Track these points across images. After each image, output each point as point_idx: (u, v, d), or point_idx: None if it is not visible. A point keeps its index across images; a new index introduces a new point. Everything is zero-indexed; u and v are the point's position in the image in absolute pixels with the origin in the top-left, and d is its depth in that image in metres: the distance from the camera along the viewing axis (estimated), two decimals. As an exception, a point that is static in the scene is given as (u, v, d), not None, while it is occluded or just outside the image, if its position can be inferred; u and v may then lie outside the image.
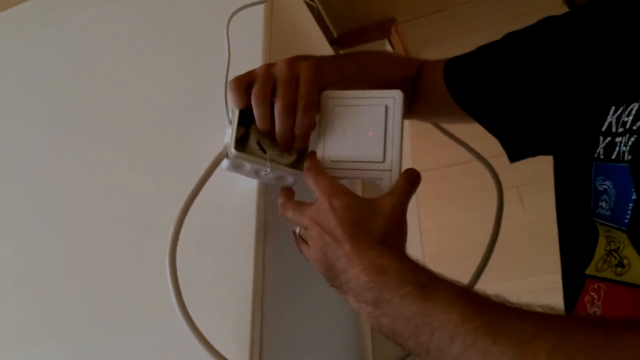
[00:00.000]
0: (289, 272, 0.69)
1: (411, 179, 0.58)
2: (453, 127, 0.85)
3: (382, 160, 0.60)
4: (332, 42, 1.56)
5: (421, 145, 1.81)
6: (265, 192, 0.68)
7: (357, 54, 0.79)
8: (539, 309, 0.42)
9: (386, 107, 0.61)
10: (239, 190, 0.68)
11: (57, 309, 0.70)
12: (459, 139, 0.83)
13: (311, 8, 1.08)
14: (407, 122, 1.79)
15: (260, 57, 0.74)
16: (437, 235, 2.11)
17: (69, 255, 0.74)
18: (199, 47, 0.82)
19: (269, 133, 0.62)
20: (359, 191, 0.80)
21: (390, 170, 0.59)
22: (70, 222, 0.76)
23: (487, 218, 0.74)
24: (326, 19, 1.54)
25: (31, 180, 0.82)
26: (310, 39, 1.03)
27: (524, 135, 0.68)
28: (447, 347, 0.42)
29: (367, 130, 0.61)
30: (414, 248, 1.53)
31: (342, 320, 0.83)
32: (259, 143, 0.62)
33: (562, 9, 0.67)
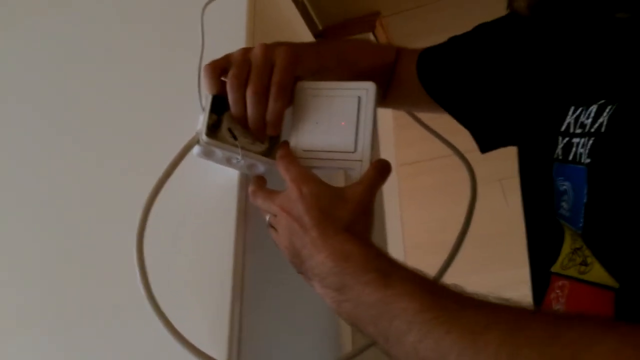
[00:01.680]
0: (268, 262, 0.69)
1: (381, 169, 0.59)
2: (434, 121, 0.86)
3: (353, 150, 0.61)
4: (317, 35, 1.56)
5: (405, 138, 1.81)
6: (246, 181, 0.68)
7: (336, 42, 0.80)
8: (494, 301, 0.43)
9: (359, 98, 0.62)
10: (220, 180, 0.68)
11: (23, 300, 0.70)
12: (437, 133, 0.83)
13: (296, 1, 1.08)
14: (390, 115, 1.80)
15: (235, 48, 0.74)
16: (419, 228, 2.12)
17: (38, 244, 0.73)
18: (175, 36, 0.81)
19: (242, 119, 0.62)
20: (341, 182, 0.81)
21: (361, 161, 0.60)
22: (41, 210, 0.76)
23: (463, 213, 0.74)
24: (311, 12, 1.54)
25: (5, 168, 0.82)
26: (294, 32, 1.03)
27: (493, 126, 0.69)
28: (404, 335, 0.43)
29: (339, 120, 0.62)
30: (395, 240, 1.54)
31: (322, 309, 0.83)
32: (230, 130, 0.62)
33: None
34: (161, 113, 0.76)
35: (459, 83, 0.70)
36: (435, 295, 0.45)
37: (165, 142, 0.64)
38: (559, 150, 0.53)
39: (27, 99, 0.87)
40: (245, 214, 0.67)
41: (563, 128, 0.53)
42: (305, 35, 1.11)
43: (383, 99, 0.80)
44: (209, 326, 0.60)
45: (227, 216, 0.65)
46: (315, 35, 1.34)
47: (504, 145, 0.69)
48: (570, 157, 0.51)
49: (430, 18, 1.60)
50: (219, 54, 0.64)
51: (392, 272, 0.48)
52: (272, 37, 0.83)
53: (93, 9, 0.90)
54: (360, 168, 0.60)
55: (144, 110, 0.78)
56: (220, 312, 0.60)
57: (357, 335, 0.92)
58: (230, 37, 0.73)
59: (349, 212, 0.54)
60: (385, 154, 1.89)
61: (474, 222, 0.73)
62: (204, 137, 0.61)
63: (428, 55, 0.74)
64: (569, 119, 0.53)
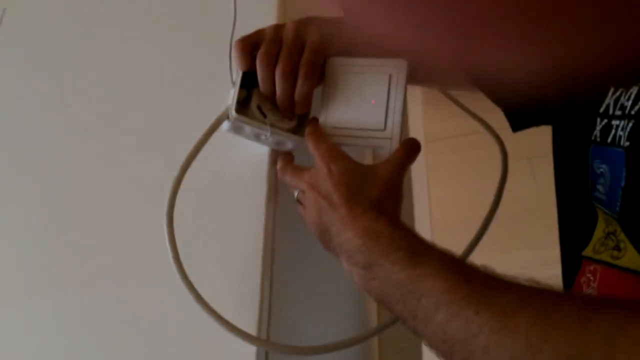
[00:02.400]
0: (297, 239, 0.70)
1: (410, 148, 0.59)
2: (464, 97, 0.85)
3: (383, 128, 0.61)
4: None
5: (433, 114, 1.80)
6: (276, 157, 0.68)
7: None
8: (524, 282, 0.43)
9: (390, 76, 0.62)
10: (250, 155, 0.68)
11: (56, 263, 0.71)
12: (468, 109, 0.82)
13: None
14: (419, 91, 1.78)
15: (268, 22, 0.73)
16: (446, 205, 2.11)
17: (71, 213, 0.74)
18: (207, 10, 0.81)
19: (271, 97, 0.62)
20: (369, 160, 0.81)
21: (391, 139, 0.60)
22: (72, 181, 0.77)
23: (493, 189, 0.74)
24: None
25: (30, 140, 0.83)
26: (326, 11, 1.02)
27: (526, 104, 0.68)
28: (432, 314, 0.43)
29: (369, 98, 0.62)
30: (422, 216, 1.53)
31: (350, 286, 0.84)
32: (259, 107, 0.62)
33: None
34: (192, 87, 0.77)
35: None
36: (464, 275, 0.45)
37: (196, 116, 0.64)
38: (597, 132, 0.52)
39: (55, 74, 0.88)
40: (276, 191, 0.67)
41: (602, 109, 0.52)
42: (336, 14, 1.10)
43: (414, 76, 0.79)
44: (239, 302, 0.60)
45: (257, 192, 0.66)
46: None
47: (537, 124, 0.68)
48: (609, 140, 0.50)
49: None
50: (250, 30, 0.64)
51: (420, 251, 0.48)
52: (304, 15, 0.83)
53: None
54: (390, 146, 0.60)
55: (174, 85, 0.78)
56: (251, 288, 0.61)
57: (384, 312, 0.93)
58: (261, 13, 0.73)
59: (378, 190, 0.54)
60: (414, 129, 1.88)
61: (501, 200, 0.73)
62: (233, 113, 0.61)
63: None
64: (609, 100, 0.52)
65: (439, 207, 1.99)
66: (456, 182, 2.15)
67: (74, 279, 0.70)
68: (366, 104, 0.62)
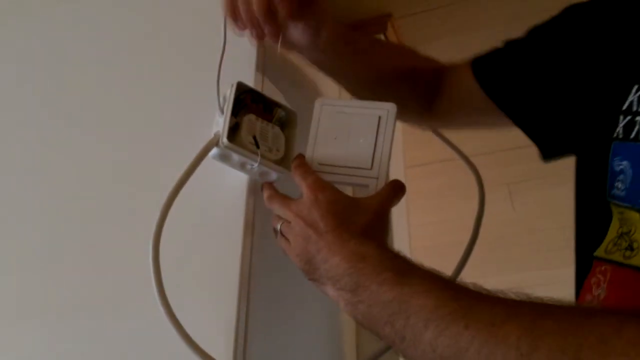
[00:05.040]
0: (275, 268, 0.69)
1: (397, 188, 0.60)
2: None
3: (369, 167, 0.61)
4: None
5: (412, 140, 1.81)
6: (254, 186, 0.68)
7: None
8: (513, 296, 0.43)
9: (379, 117, 0.63)
10: (228, 185, 0.68)
11: (38, 293, 0.70)
12: (444, 137, 0.83)
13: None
14: (398, 121, 1.79)
15: (255, 50, 0.74)
16: (426, 230, 2.12)
17: (53, 240, 0.73)
18: (189, 33, 0.82)
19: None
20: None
21: (377, 178, 0.61)
22: (55, 208, 0.76)
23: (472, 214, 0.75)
24: (323, 11, 1.54)
25: (16, 164, 0.82)
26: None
27: (557, 132, 0.68)
28: (421, 332, 0.43)
29: (358, 137, 0.63)
30: (402, 241, 1.54)
31: (326, 316, 0.84)
32: (254, 138, 0.62)
33: (557, 7, 0.67)
34: (177, 112, 0.76)
35: (522, 87, 0.69)
36: (452, 291, 0.45)
37: (179, 141, 0.64)
38: (619, 129, 0.53)
39: (42, 98, 0.87)
40: (253, 219, 0.67)
41: (625, 107, 0.53)
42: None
43: (428, 112, 0.79)
44: (214, 327, 0.60)
45: (234, 220, 0.65)
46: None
47: (567, 153, 0.67)
48: (632, 136, 0.51)
49: (443, 21, 1.60)
50: (230, 53, 0.64)
51: (407, 271, 0.48)
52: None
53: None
54: (376, 185, 0.60)
55: (159, 109, 0.78)
56: (227, 313, 0.60)
57: (361, 339, 0.92)
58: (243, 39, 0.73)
59: (366, 219, 0.55)
60: (393, 155, 1.89)
61: (467, 228, 0.73)
62: (224, 141, 0.61)
63: (485, 63, 0.73)
64: (632, 97, 0.53)
65: (418, 233, 1.99)
66: (435, 207, 2.16)
67: (51, 305, 0.69)
68: (354, 142, 0.62)
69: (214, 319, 0.60)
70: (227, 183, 0.68)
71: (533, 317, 0.39)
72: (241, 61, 0.71)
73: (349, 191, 0.79)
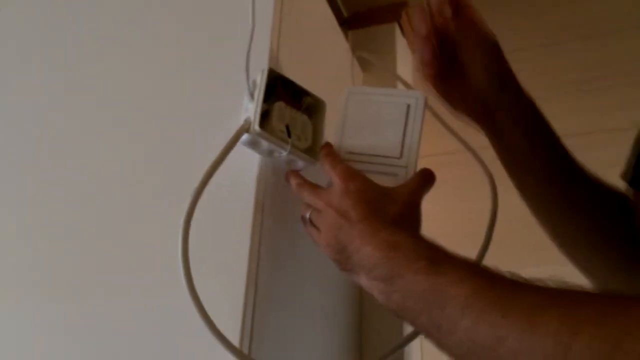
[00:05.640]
0: (284, 250, 0.70)
1: (426, 177, 0.59)
2: (448, 117, 0.85)
3: (399, 156, 0.61)
4: (342, 22, 1.56)
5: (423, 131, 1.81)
6: (264, 172, 0.68)
7: None
8: (552, 285, 0.42)
9: (408, 105, 0.62)
10: (239, 170, 0.67)
11: (57, 268, 0.71)
12: (453, 130, 0.83)
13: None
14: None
15: (269, 36, 0.73)
16: (435, 221, 2.11)
17: (75, 215, 0.74)
18: (217, 19, 0.81)
19: None
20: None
21: (406, 167, 0.61)
22: (83, 182, 0.76)
23: (483, 207, 0.74)
24: (338, -1, 1.54)
25: (37, 141, 0.82)
26: (319, 19, 1.03)
27: None
28: (457, 322, 0.43)
29: (387, 126, 0.62)
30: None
31: (335, 301, 0.84)
32: (287, 127, 0.62)
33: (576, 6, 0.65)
34: (206, 98, 0.76)
35: None
36: (489, 280, 0.44)
37: (206, 127, 0.65)
38: None
39: (73, 84, 0.87)
40: (263, 204, 0.67)
41: None
42: (330, 22, 1.11)
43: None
44: (224, 313, 0.60)
45: (244, 205, 0.65)
46: (340, 23, 1.34)
47: None
48: None
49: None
50: (244, 37, 0.63)
51: (442, 260, 0.48)
52: (299, 23, 0.83)
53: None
54: (405, 174, 0.60)
55: (188, 96, 0.77)
56: (235, 301, 0.60)
57: (370, 341, 0.92)
58: (256, 23, 0.73)
59: (397, 209, 0.55)
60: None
61: (478, 220, 0.73)
62: (256, 128, 0.60)
63: None
64: None
65: (428, 223, 1.99)
66: (443, 199, 2.15)
67: (69, 283, 0.70)
68: (383, 131, 0.62)
69: (223, 300, 0.61)
70: (238, 165, 0.67)
71: (572, 305, 0.39)
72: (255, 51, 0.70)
73: (378, 180, 0.79)
